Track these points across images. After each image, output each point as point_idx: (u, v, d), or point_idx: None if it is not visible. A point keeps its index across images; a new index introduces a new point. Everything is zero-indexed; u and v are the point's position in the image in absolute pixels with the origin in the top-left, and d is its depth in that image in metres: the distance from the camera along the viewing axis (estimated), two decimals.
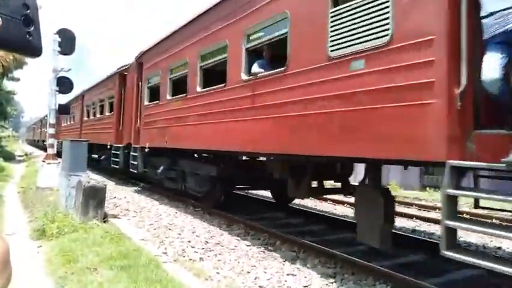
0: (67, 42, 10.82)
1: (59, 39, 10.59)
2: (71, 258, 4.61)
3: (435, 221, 8.20)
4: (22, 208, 8.33)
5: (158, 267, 4.39)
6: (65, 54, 10.98)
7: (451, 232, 3.09)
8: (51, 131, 11.91)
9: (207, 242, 5.89)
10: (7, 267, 0.48)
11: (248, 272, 4.62)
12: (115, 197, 9.73)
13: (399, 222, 8.19)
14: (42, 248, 5.36)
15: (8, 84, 29.03)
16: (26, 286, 3.97)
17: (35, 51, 0.49)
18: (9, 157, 25.37)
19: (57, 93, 11.79)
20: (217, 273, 4.56)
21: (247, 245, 5.80)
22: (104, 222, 6.48)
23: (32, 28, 0.48)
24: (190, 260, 5.01)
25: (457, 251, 3.02)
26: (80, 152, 7.71)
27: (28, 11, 0.47)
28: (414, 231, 7.27)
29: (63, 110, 13.65)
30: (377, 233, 4.69)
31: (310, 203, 10.27)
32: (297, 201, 9.74)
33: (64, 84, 11.83)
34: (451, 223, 3.01)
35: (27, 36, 0.47)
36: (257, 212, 8.23)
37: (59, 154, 11.73)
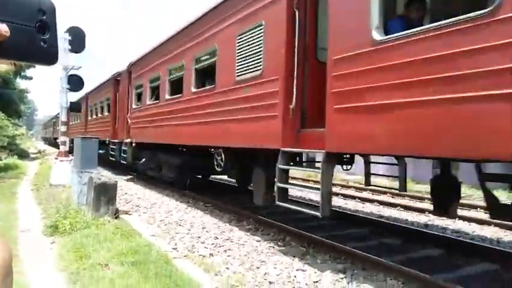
0: (77, 40, 10.92)
1: (70, 38, 10.69)
2: (83, 254, 4.66)
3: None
4: (36, 205, 8.47)
5: (168, 263, 4.42)
6: (75, 52, 11.09)
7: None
8: (63, 128, 12.07)
9: (216, 237, 5.91)
10: (10, 275, 0.47)
11: (258, 268, 4.62)
12: (126, 193, 9.84)
13: (412, 216, 8.11)
14: (55, 244, 5.44)
15: (21, 83, 29.50)
16: (40, 281, 4.03)
17: (49, 59, 0.46)
18: (23, 155, 25.81)
19: (68, 91, 11.94)
20: (227, 268, 4.58)
21: (257, 240, 5.80)
22: (116, 218, 6.55)
23: (48, 35, 0.45)
24: (200, 255, 5.04)
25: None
26: (91, 149, 7.79)
27: (44, 16, 0.45)
28: (426, 225, 7.18)
29: (74, 107, 13.83)
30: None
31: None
32: (306, 195, 9.72)
33: (74, 82, 11.99)
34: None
35: (42, 43, 0.44)
36: (268, 206, 8.22)
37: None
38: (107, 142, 15.23)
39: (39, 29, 0.44)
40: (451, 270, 4.46)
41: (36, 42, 0.44)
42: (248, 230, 6.43)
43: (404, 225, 6.81)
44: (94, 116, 19.44)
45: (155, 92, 10.59)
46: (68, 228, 5.79)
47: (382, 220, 7.28)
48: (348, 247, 5.04)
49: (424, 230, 6.42)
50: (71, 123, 24.85)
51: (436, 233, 6.27)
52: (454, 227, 7.08)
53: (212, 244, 5.55)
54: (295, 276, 4.34)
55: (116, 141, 14.14)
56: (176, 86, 9.10)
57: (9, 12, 0.41)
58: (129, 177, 14.00)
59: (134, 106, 12.24)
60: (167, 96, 9.49)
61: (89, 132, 18.91)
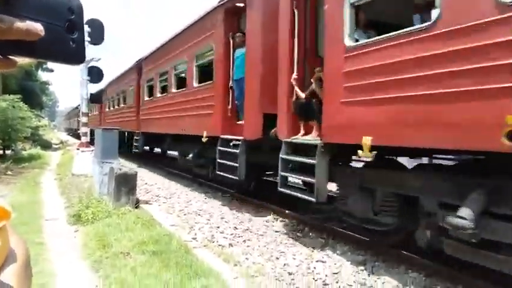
0: (96, 32, 11.03)
1: (89, 30, 10.81)
2: (106, 242, 4.76)
3: None
4: (59, 194, 8.68)
5: (188, 253, 4.47)
6: (95, 44, 11.22)
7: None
8: (84, 119, 12.28)
9: (235, 227, 5.94)
10: (28, 269, 0.47)
11: (277, 258, 4.63)
12: (145, 183, 9.97)
13: None
14: (78, 232, 5.58)
15: (42, 75, 30.20)
16: (65, 269, 4.14)
17: (77, 59, 0.46)
18: (46, 145, 26.48)
19: (88, 82, 12.13)
20: (246, 259, 4.60)
21: (276, 231, 5.80)
22: (136, 208, 6.66)
23: (76, 35, 0.45)
24: (219, 245, 5.08)
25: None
26: (112, 140, 7.91)
27: (73, 16, 0.45)
28: None
29: (95, 99, 14.05)
30: None
31: None
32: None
33: (94, 74, 12.15)
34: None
35: (71, 43, 0.44)
36: (287, 197, 8.21)
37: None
38: (203, 139, 7.97)
39: (68, 29, 0.44)
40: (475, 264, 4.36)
41: (66, 42, 0.44)
42: (267, 221, 6.43)
43: None
44: (160, 94, 11.31)
45: None
46: (91, 218, 5.92)
47: None
48: (368, 238, 4.99)
49: None
50: (107, 109, 20.18)
51: None
52: None
53: (231, 234, 5.58)
54: (314, 268, 4.32)
55: (241, 139, 6.77)
56: None
57: (42, 11, 0.41)
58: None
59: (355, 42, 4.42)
60: None
61: (148, 122, 12.39)
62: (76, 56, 0.46)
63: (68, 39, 0.44)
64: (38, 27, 0.39)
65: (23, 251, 0.47)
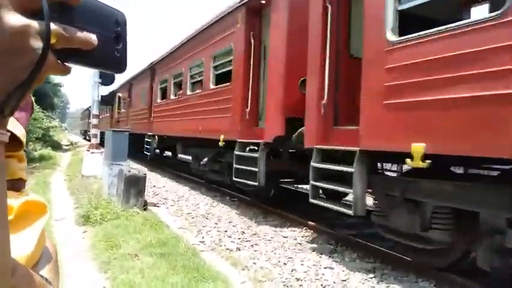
0: None
1: None
2: (114, 244, 4.77)
3: None
4: (68, 195, 8.75)
5: (195, 256, 4.46)
6: None
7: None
8: (94, 121, 12.39)
9: (243, 232, 5.92)
10: (57, 266, 0.49)
11: (285, 264, 4.59)
12: (154, 186, 10.01)
13: None
14: (86, 233, 5.60)
15: (54, 77, 30.59)
16: (73, 270, 4.15)
17: (122, 68, 0.50)
18: (57, 146, 26.76)
19: (100, 85, 12.24)
20: (254, 263, 4.57)
21: (284, 236, 5.76)
22: (144, 210, 6.67)
23: (121, 45, 0.49)
24: (227, 249, 5.06)
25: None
26: (121, 141, 7.96)
27: (119, 28, 0.49)
28: None
29: (106, 100, 14.17)
30: None
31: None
32: None
33: (106, 76, 12.25)
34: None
35: (116, 53, 0.48)
36: (293, 203, 8.17)
37: None
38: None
39: (115, 40, 0.48)
40: (487, 274, 4.28)
41: (113, 52, 0.48)
42: (275, 226, 6.40)
43: None
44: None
45: None
46: (99, 219, 5.95)
47: None
48: (377, 246, 4.93)
49: None
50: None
51: None
52: None
53: (239, 239, 5.56)
54: (323, 274, 4.28)
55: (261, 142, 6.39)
56: None
57: (95, 23, 0.44)
58: None
59: None
60: None
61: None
62: (120, 65, 0.49)
63: (114, 50, 0.48)
64: (93, 37, 0.42)
65: (53, 248, 0.47)
